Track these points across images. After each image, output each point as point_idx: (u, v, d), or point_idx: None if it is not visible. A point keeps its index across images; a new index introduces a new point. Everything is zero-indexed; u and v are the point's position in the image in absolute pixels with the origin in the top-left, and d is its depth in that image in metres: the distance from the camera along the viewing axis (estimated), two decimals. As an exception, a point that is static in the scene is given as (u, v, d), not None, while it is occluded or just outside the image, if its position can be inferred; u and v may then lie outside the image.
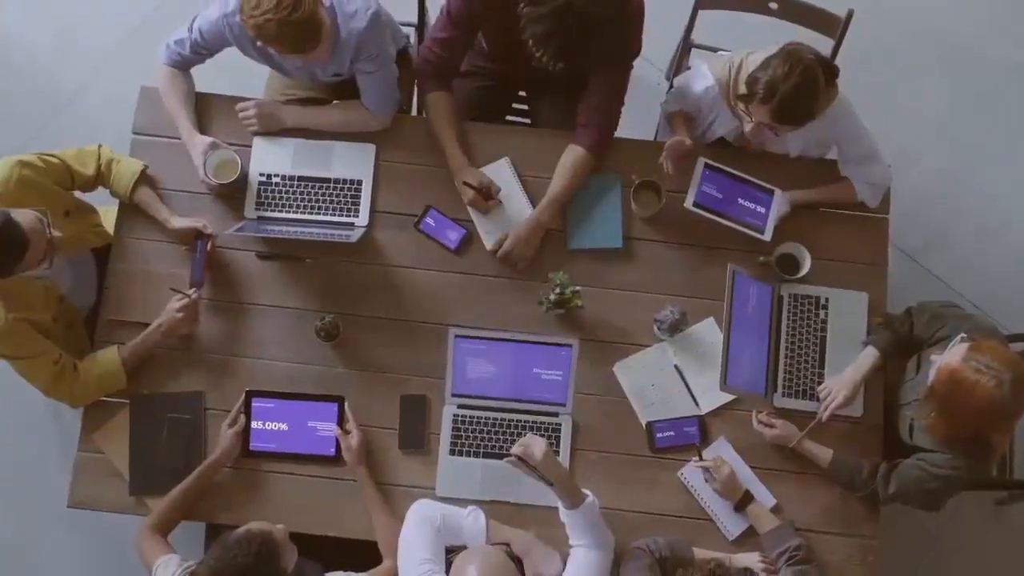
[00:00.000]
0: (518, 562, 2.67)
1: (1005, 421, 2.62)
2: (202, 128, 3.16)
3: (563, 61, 2.74)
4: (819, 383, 3.03)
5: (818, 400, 2.99)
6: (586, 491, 2.71)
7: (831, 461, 2.94)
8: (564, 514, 2.72)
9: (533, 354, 2.99)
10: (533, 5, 2.67)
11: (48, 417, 3.87)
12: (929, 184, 4.10)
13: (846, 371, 2.97)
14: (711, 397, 3.04)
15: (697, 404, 3.04)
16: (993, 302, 3.84)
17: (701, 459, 2.93)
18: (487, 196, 3.12)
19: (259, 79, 3.52)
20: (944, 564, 3.80)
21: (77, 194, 3.08)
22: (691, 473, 2.98)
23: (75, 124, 4.15)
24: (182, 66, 3.13)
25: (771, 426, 2.97)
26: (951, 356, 2.60)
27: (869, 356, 2.96)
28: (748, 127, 2.93)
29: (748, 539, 2.93)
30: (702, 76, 3.09)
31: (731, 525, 2.94)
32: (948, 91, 4.25)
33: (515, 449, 2.66)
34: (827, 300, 3.10)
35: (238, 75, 3.28)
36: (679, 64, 3.65)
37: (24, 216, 2.62)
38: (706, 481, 2.93)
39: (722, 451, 2.98)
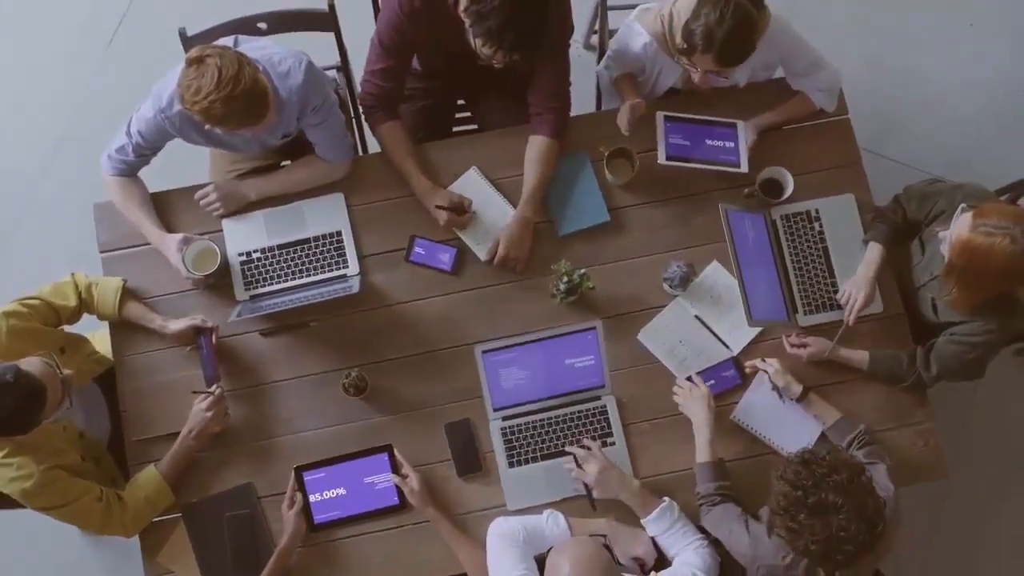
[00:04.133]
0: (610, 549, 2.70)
1: None
2: (168, 226, 3.10)
3: (518, 51, 2.73)
4: (835, 292, 3.08)
5: (841, 308, 3.04)
6: (664, 497, 2.83)
7: (870, 360, 3.00)
8: (647, 525, 2.81)
9: (560, 346, 2.99)
10: (478, 3, 2.66)
11: (86, 556, 3.78)
12: (861, 75, 4.17)
13: (857, 272, 3.03)
14: (739, 336, 3.08)
15: (728, 347, 3.08)
16: (960, 169, 3.92)
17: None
18: (461, 212, 3.12)
19: (199, 162, 3.46)
20: (983, 424, 3.94)
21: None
22: (743, 413, 3.01)
23: (22, 253, 4.08)
24: (129, 172, 3.06)
25: (804, 345, 3.02)
26: (959, 228, 2.63)
27: (875, 252, 3.02)
28: (696, 77, 2.96)
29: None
30: (637, 34, 3.11)
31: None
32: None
33: (572, 467, 2.88)
34: (818, 211, 3.15)
35: (173, 168, 3.20)
36: (601, 29, 3.66)
37: (32, 364, 2.56)
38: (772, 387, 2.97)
39: (762, 389, 3.02)
